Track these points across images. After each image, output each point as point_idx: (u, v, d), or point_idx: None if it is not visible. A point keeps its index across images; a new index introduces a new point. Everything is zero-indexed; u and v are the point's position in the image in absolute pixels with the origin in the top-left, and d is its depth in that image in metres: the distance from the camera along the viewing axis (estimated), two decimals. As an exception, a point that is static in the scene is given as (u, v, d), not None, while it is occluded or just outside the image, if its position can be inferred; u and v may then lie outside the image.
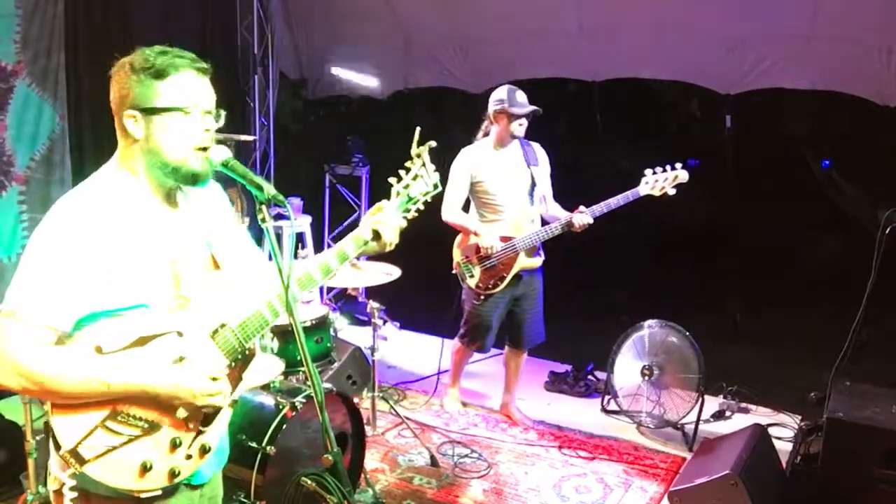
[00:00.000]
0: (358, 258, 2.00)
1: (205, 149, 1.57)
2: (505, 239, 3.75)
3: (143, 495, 1.54)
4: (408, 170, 1.84)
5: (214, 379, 1.58)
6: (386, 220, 1.80)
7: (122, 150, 1.58)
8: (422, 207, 1.87)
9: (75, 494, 1.53)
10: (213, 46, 5.50)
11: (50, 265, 1.44)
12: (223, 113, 1.61)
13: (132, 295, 1.51)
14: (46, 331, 1.44)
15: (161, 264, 1.56)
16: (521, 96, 3.73)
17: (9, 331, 1.42)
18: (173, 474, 1.57)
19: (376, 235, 1.80)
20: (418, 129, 1.84)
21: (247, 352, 1.68)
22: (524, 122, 3.73)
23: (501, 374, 4.27)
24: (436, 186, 1.85)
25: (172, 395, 1.53)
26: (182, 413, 1.57)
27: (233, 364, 1.65)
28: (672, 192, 3.63)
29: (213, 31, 5.52)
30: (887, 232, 3.30)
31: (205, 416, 1.62)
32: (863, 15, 4.29)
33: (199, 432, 1.61)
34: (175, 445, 1.57)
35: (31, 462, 2.94)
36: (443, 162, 3.84)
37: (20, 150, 4.30)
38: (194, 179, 1.58)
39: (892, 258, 3.33)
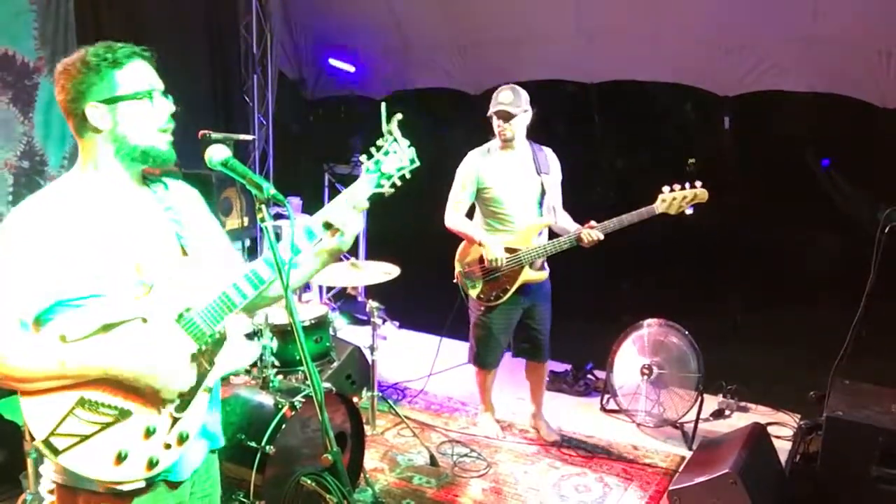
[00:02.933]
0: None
1: (167, 131, 1.64)
2: (510, 251, 3.60)
3: (124, 487, 1.53)
4: (379, 148, 1.76)
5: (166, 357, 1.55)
6: (334, 204, 1.72)
7: (84, 147, 1.62)
8: (398, 183, 1.76)
9: (53, 498, 1.56)
10: (212, 46, 5.50)
11: (8, 255, 1.49)
12: (170, 96, 1.67)
13: (88, 284, 1.53)
14: (10, 319, 1.47)
15: (120, 253, 1.57)
16: (502, 96, 3.56)
17: None
18: (151, 463, 1.55)
19: (327, 226, 1.71)
20: (384, 104, 1.77)
21: (216, 335, 1.66)
22: (508, 124, 3.55)
23: (505, 379, 4.26)
24: (412, 161, 1.76)
25: (133, 379, 1.52)
26: (152, 394, 1.56)
27: (202, 348, 1.63)
28: (689, 211, 3.41)
29: (212, 31, 5.51)
30: (886, 231, 3.31)
31: (178, 404, 1.60)
32: (862, 17, 4.30)
33: (175, 419, 1.59)
34: (149, 433, 1.55)
35: (30, 462, 2.93)
36: (440, 164, 3.83)
37: (51, 150, 4.29)
38: (162, 161, 1.64)
39: (891, 258, 3.34)
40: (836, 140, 5.42)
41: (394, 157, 1.75)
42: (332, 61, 6.14)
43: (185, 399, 1.61)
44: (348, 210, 1.71)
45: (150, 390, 1.55)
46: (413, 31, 5.87)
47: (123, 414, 1.53)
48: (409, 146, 1.77)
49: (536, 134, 3.87)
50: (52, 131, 4.28)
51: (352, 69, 6.18)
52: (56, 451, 1.47)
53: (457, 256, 3.79)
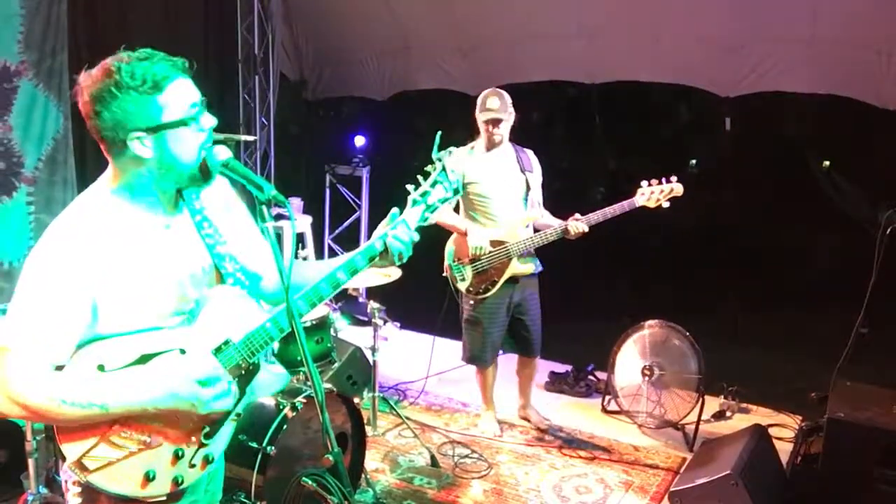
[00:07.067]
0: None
1: (208, 146, 1.54)
2: (498, 243, 3.70)
3: (148, 500, 1.56)
4: (426, 175, 1.77)
5: (205, 383, 1.54)
6: (399, 233, 1.73)
7: (122, 171, 1.52)
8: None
9: (79, 489, 1.55)
10: (213, 47, 5.50)
11: (47, 299, 1.42)
12: (203, 100, 1.56)
13: (127, 320, 1.51)
14: (45, 364, 1.43)
15: (166, 285, 1.55)
16: (491, 101, 3.67)
17: (7, 365, 1.41)
18: (177, 482, 1.58)
19: (387, 249, 1.73)
20: (440, 133, 1.77)
21: (251, 367, 1.67)
22: (498, 129, 3.68)
23: (507, 380, 4.25)
24: (456, 192, 1.78)
25: (173, 411, 1.53)
26: (186, 424, 1.57)
27: (236, 379, 1.64)
28: (666, 205, 3.64)
29: (213, 31, 5.52)
30: (888, 232, 3.31)
31: (207, 431, 1.62)
32: (862, 18, 4.30)
33: (202, 445, 1.62)
34: (177, 457, 1.58)
35: (31, 462, 2.94)
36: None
37: (29, 151, 4.30)
38: (208, 176, 1.56)
39: (892, 258, 3.34)
40: (836, 141, 5.42)
41: (440, 188, 1.76)
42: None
43: (215, 427, 1.63)
44: (401, 244, 1.73)
45: (188, 417, 1.57)
46: (414, 32, 5.87)
47: (155, 442, 1.55)
48: (455, 176, 1.77)
49: (536, 134, 3.89)
50: (31, 134, 4.29)
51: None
52: (86, 471, 1.49)
53: (446, 249, 3.87)
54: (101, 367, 1.48)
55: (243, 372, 1.65)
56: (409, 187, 1.77)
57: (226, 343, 1.62)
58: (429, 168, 1.78)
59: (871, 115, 4.58)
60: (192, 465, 1.61)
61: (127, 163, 1.50)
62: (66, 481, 1.58)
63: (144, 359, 1.51)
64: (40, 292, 1.43)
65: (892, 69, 4.37)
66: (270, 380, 1.74)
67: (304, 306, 1.69)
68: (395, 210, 1.77)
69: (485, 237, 3.70)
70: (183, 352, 1.56)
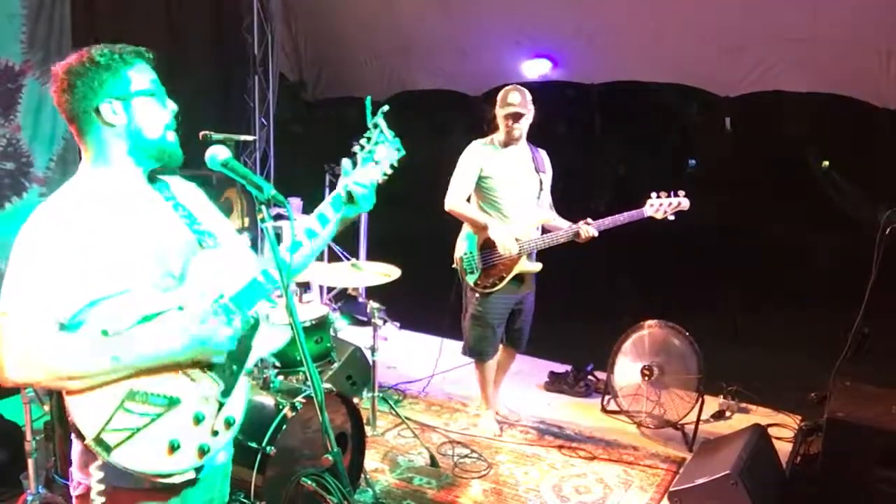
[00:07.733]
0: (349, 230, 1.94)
1: (175, 130, 1.67)
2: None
3: (175, 479, 1.53)
4: (368, 139, 1.83)
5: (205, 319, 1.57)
6: (358, 178, 1.80)
7: (93, 146, 1.64)
8: (389, 172, 1.86)
9: (103, 499, 1.53)
10: (213, 47, 5.51)
11: (38, 259, 1.48)
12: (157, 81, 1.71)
13: (118, 280, 1.52)
14: (47, 322, 1.45)
15: (145, 246, 1.58)
16: (512, 97, 3.69)
17: (12, 329, 1.43)
18: (203, 451, 1.57)
19: (350, 196, 1.80)
20: (369, 97, 1.84)
21: (250, 320, 1.68)
22: (518, 124, 3.70)
23: (506, 379, 4.26)
24: (398, 150, 1.85)
25: (190, 349, 1.54)
26: (200, 382, 1.58)
27: (239, 333, 1.64)
28: (672, 218, 3.69)
29: (213, 31, 5.52)
30: (887, 232, 3.31)
31: (223, 389, 1.62)
32: (862, 17, 4.30)
33: (220, 404, 1.62)
34: (198, 420, 1.57)
35: (30, 462, 2.94)
36: (440, 166, 3.85)
37: (38, 151, 4.30)
38: (174, 158, 1.67)
39: (892, 258, 3.34)
40: (836, 140, 5.43)
41: (382, 148, 1.83)
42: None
43: (230, 384, 1.64)
44: (362, 188, 1.80)
45: (208, 356, 1.58)
46: (413, 32, 5.87)
47: (172, 402, 1.54)
48: (395, 137, 1.84)
49: (537, 134, 3.90)
50: (41, 133, 4.29)
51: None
52: (108, 448, 1.46)
53: (460, 240, 3.86)
54: (104, 332, 1.48)
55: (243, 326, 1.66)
56: (356, 149, 1.84)
57: (220, 297, 1.63)
58: (368, 134, 1.84)
59: (871, 115, 4.58)
60: (216, 433, 1.60)
61: (98, 135, 1.62)
62: (83, 485, 1.56)
63: (145, 320, 1.53)
64: (34, 256, 1.48)
65: (892, 69, 4.38)
66: (272, 335, 1.76)
67: (288, 256, 1.72)
68: (347, 164, 1.84)
69: (511, 236, 3.68)
70: (181, 309, 1.58)
